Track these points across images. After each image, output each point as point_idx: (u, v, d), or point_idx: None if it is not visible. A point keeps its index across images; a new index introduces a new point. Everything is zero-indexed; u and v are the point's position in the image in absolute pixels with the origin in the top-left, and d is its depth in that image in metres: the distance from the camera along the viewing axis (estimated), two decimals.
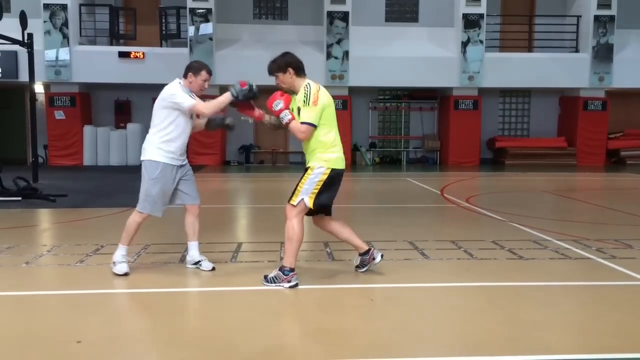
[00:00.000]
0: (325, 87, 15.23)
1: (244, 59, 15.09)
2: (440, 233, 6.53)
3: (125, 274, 4.54)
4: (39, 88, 14.93)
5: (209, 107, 4.46)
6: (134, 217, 4.62)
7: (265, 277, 4.36)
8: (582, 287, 4.52)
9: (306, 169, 4.38)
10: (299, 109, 4.31)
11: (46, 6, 14.84)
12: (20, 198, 8.84)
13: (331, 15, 15.51)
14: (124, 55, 15.25)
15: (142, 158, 4.62)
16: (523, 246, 5.72)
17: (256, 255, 5.45)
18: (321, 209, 4.49)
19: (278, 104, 4.30)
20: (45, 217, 7.90)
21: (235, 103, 4.43)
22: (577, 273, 4.89)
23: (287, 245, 4.33)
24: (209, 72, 4.61)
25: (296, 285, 4.28)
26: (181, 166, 4.66)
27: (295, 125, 4.31)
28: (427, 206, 9.03)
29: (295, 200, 4.31)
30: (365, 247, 4.66)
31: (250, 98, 4.42)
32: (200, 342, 3.33)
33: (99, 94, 16.60)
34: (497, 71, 15.88)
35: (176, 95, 4.45)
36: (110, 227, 6.97)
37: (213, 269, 4.73)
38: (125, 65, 15.18)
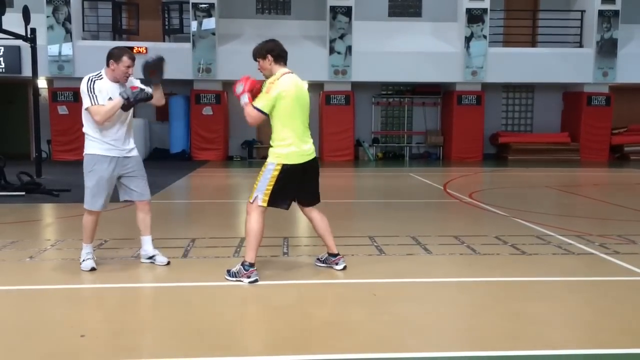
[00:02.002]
0: (328, 82, 15.22)
1: (247, 54, 14.88)
2: (443, 228, 6.53)
3: (92, 269, 4.57)
4: (42, 83, 14.94)
5: (100, 113, 4.39)
6: (87, 217, 4.66)
7: (228, 271, 4.35)
8: (585, 282, 4.51)
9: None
10: None
11: (49, 1, 14.83)
12: (23, 193, 8.87)
13: (334, 10, 15.47)
14: None
15: (83, 153, 4.64)
16: (526, 241, 5.72)
17: (259, 250, 5.44)
18: (302, 200, 4.52)
19: (239, 87, 4.32)
20: (48, 212, 7.93)
21: (127, 105, 4.45)
22: (580, 268, 4.88)
23: (246, 241, 4.35)
24: (131, 58, 4.55)
25: (255, 281, 4.24)
26: (124, 158, 4.61)
27: (246, 110, 4.29)
28: (430, 201, 9.02)
29: (251, 197, 4.32)
30: (335, 251, 4.67)
31: (143, 99, 4.49)
32: (203, 336, 3.34)
33: None
34: (501, 66, 15.83)
35: (82, 96, 4.48)
36: (113, 222, 6.98)
37: (168, 263, 4.76)
38: None
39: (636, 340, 3.34)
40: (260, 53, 4.41)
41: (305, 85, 4.52)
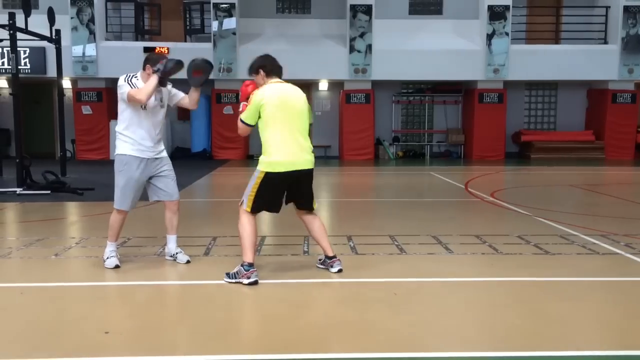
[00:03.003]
0: (348, 80, 15.23)
1: (267, 53, 15.12)
2: (465, 227, 6.48)
3: (116, 267, 4.62)
4: (66, 83, 15.19)
5: (141, 92, 4.45)
6: (114, 215, 4.72)
7: (227, 274, 4.32)
8: (610, 282, 4.44)
9: None
10: None
11: (73, 2, 15.06)
12: (49, 191, 9.03)
13: (354, 9, 15.43)
14: (149, 50, 15.33)
15: (114, 154, 4.70)
16: (549, 241, 5.64)
17: (279, 248, 5.48)
18: (294, 201, 4.54)
19: (241, 93, 4.48)
20: (73, 210, 8.06)
21: (162, 77, 4.52)
22: (605, 268, 4.80)
23: (240, 243, 4.36)
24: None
25: (255, 282, 4.19)
26: (154, 159, 4.68)
27: (238, 119, 4.41)
28: (451, 200, 8.95)
29: (241, 200, 4.40)
30: (331, 253, 4.61)
31: (173, 68, 4.53)
32: (225, 334, 3.36)
33: None
34: (523, 64, 15.63)
35: (120, 86, 4.52)
36: (137, 220, 7.07)
37: (188, 262, 4.81)
38: None
39: None
40: (252, 69, 4.51)
41: (297, 93, 4.42)
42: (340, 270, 4.58)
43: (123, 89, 4.50)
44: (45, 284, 4.37)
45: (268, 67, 4.45)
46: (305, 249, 5.38)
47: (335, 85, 16.48)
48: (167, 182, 4.81)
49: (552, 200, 8.97)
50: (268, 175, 4.28)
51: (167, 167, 4.81)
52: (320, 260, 4.80)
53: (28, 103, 16.36)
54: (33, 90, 16.35)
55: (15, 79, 9.48)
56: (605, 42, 16.13)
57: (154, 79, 4.49)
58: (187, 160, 15.50)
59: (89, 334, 3.35)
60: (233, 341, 3.28)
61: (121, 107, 4.62)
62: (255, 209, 4.34)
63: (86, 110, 15.68)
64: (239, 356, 3.07)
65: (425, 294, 4.19)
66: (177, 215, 4.92)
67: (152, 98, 4.54)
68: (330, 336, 3.38)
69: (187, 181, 10.78)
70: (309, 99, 4.30)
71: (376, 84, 16.04)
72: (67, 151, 12.62)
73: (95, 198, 8.71)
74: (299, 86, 4.50)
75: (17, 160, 9.35)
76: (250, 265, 4.25)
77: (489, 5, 15.49)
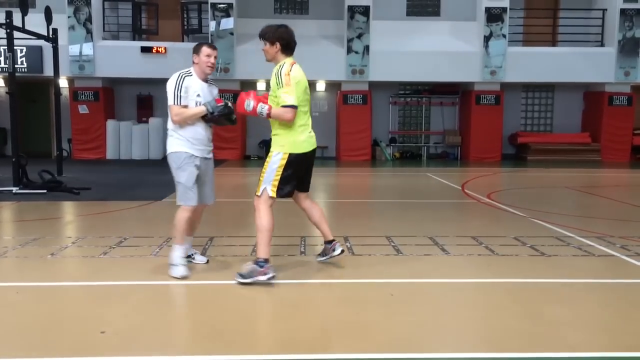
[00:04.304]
0: (346, 81, 15.22)
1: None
2: (461, 229, 6.49)
3: (184, 277, 4.35)
4: (63, 83, 15.16)
5: (180, 115, 4.38)
6: (179, 214, 4.51)
7: (240, 274, 4.18)
8: (605, 284, 4.45)
9: (269, 152, 4.35)
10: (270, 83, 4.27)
11: (70, 1, 15.03)
12: (45, 191, 9.01)
13: (352, 10, 15.45)
14: (146, 50, 15.40)
15: (167, 152, 4.57)
16: (545, 242, 5.66)
17: (275, 249, 5.47)
18: (299, 188, 4.49)
19: (249, 104, 4.21)
20: (69, 209, 8.04)
21: (209, 118, 4.44)
22: (600, 270, 4.82)
23: (258, 237, 4.21)
24: (211, 47, 4.52)
25: (273, 277, 4.15)
26: (204, 159, 4.58)
27: (276, 112, 4.15)
28: (448, 202, 8.97)
29: (259, 190, 4.25)
30: (331, 237, 4.68)
31: (225, 115, 4.45)
32: (221, 334, 3.36)
33: (122, 89, 16.80)
34: (520, 66, 15.67)
35: (168, 91, 4.47)
36: (134, 220, 7.07)
37: (207, 262, 4.82)
38: (147, 60, 15.33)
39: None
40: (270, 37, 4.27)
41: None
42: (342, 252, 4.68)
43: (169, 97, 4.43)
44: (41, 284, 4.36)
45: (287, 41, 4.26)
46: (302, 250, 5.38)
47: (333, 86, 16.49)
48: (209, 185, 4.72)
49: (548, 202, 8.99)
50: (292, 156, 4.22)
51: (211, 170, 4.73)
52: (319, 254, 4.84)
53: (25, 102, 16.33)
54: (30, 89, 16.30)
55: (11, 78, 9.46)
56: (602, 45, 16.19)
57: (199, 112, 4.39)
58: None
59: (84, 334, 3.34)
60: (229, 341, 3.27)
61: None
62: (280, 194, 4.24)
63: (83, 109, 15.65)
64: (235, 356, 3.07)
65: (422, 294, 4.20)
66: (201, 219, 4.92)
67: (201, 99, 4.43)
68: (326, 337, 3.38)
69: None
70: (287, 85, 4.22)
71: (373, 85, 16.06)
72: (63, 150, 12.60)
73: (91, 197, 8.70)
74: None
75: (14, 160, 9.33)
76: (266, 261, 4.15)
77: (486, 7, 15.53)
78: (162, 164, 15.46)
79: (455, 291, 4.28)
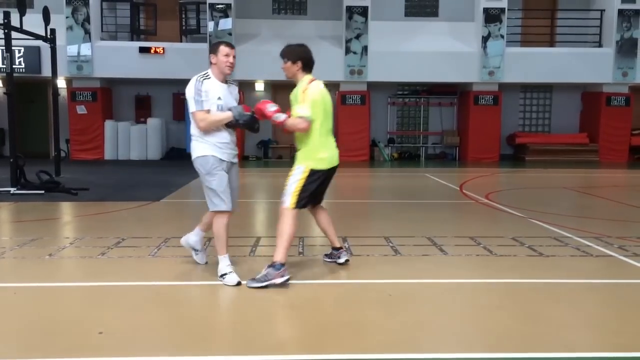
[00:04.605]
0: (344, 82, 15.28)
1: (263, 54, 15.07)
2: (459, 229, 6.49)
3: (238, 284, 4.22)
4: (61, 83, 15.13)
5: (206, 120, 4.23)
6: (217, 222, 4.34)
7: (254, 279, 4.22)
8: (603, 284, 4.46)
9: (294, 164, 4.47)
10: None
11: (68, 2, 15.01)
12: (43, 191, 8.99)
13: (350, 10, 15.45)
14: (144, 50, 15.38)
15: (193, 157, 4.36)
16: (543, 243, 5.66)
17: (274, 250, 5.46)
18: (314, 200, 4.60)
19: (270, 107, 4.34)
20: (67, 210, 8.03)
21: (233, 125, 4.34)
22: (598, 270, 4.83)
23: (278, 241, 4.34)
24: (229, 45, 4.40)
25: (288, 280, 4.21)
26: (231, 163, 4.41)
27: (291, 121, 4.33)
28: (446, 202, 8.97)
29: (286, 201, 4.38)
30: (338, 245, 4.85)
31: (250, 124, 4.37)
32: (218, 335, 3.36)
33: (120, 89, 16.78)
34: (518, 66, 15.68)
35: (187, 98, 4.30)
36: (132, 221, 7.07)
37: (206, 263, 4.76)
38: (145, 61, 15.32)
39: None
40: (292, 56, 4.46)
41: (329, 94, 4.58)
42: (347, 261, 4.74)
43: (190, 103, 4.26)
44: (38, 284, 4.36)
45: (307, 60, 4.47)
46: (301, 250, 5.38)
47: (331, 86, 16.37)
48: (235, 191, 4.49)
49: (546, 202, 9.00)
50: (313, 172, 4.39)
51: (236, 175, 4.53)
52: (326, 254, 4.92)
53: (22, 102, 16.32)
54: (28, 90, 16.28)
55: (9, 78, 9.44)
56: (600, 45, 16.21)
57: (225, 118, 4.26)
58: (182, 160, 15.45)
59: (82, 335, 3.34)
60: (227, 342, 3.27)
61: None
62: (299, 205, 4.37)
63: (81, 110, 15.62)
64: (233, 357, 3.07)
65: (420, 295, 4.20)
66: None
67: (222, 102, 4.29)
68: (325, 337, 3.38)
69: (182, 181, 10.76)
70: (304, 100, 4.34)
71: (372, 85, 16.06)
72: (61, 151, 12.58)
73: (89, 198, 8.69)
74: (293, 87, 4.51)
75: (11, 160, 9.31)
76: (282, 264, 4.25)
77: (484, 8, 15.54)
78: (160, 164, 15.54)
79: (454, 291, 4.28)
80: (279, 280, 4.19)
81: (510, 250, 5.40)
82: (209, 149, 4.29)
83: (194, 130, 4.34)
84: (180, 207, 8.46)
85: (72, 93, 15.66)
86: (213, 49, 4.37)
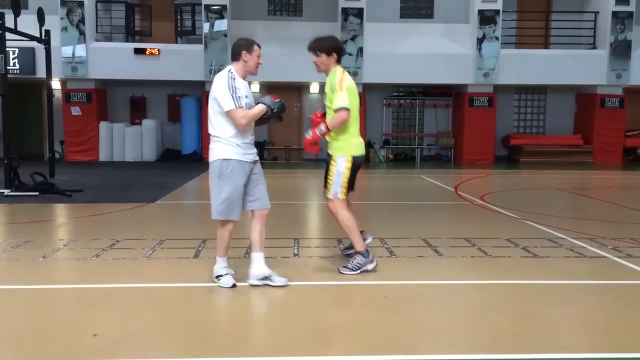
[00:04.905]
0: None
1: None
2: (454, 230, 6.51)
3: (233, 286, 4.16)
4: (55, 84, 15.09)
5: (247, 117, 4.05)
6: (224, 227, 4.23)
7: (345, 266, 4.54)
8: (597, 286, 4.48)
9: (330, 156, 4.59)
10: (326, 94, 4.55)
11: (63, 3, 14.97)
12: (37, 193, 8.96)
13: (346, 12, 15.47)
14: (139, 51, 15.36)
15: (211, 159, 4.21)
16: (538, 244, 5.68)
17: (269, 251, 5.46)
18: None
19: (319, 129, 4.50)
20: (61, 212, 8.00)
21: (267, 117, 4.21)
22: (592, 272, 4.85)
23: (349, 235, 4.60)
24: (259, 46, 4.26)
25: (376, 266, 4.58)
26: (252, 163, 4.25)
27: (332, 121, 4.41)
28: (441, 203, 8.99)
29: (330, 194, 4.56)
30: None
31: (282, 111, 4.27)
32: (214, 337, 3.36)
33: (115, 90, 16.74)
34: (513, 68, 15.73)
35: (221, 95, 4.06)
36: (126, 222, 7.05)
37: (286, 285, 4.25)
38: (140, 62, 15.29)
39: None
40: (327, 49, 4.50)
41: None
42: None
43: (226, 101, 4.03)
44: (32, 286, 4.34)
45: (341, 51, 4.60)
46: (296, 252, 5.37)
47: None
48: (260, 188, 4.30)
49: (540, 203, 9.03)
50: (354, 159, 4.58)
51: (259, 171, 4.32)
52: (346, 247, 5.15)
53: (17, 104, 16.26)
54: (22, 91, 16.22)
55: (3, 80, 9.40)
56: (594, 47, 16.28)
57: (261, 111, 4.12)
58: (178, 162, 15.45)
59: (77, 337, 3.33)
60: (222, 344, 3.27)
61: (220, 110, 4.12)
62: (347, 194, 4.59)
63: (75, 111, 15.58)
64: (228, 359, 3.06)
65: (415, 296, 4.21)
66: (266, 228, 4.36)
67: (248, 100, 4.17)
68: (321, 339, 3.38)
69: (177, 183, 10.75)
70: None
71: (367, 86, 16.07)
72: (56, 152, 12.54)
73: (84, 200, 8.66)
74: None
75: (5, 161, 9.28)
76: (367, 251, 4.56)
77: (479, 10, 15.58)
78: (155, 165, 15.50)
79: (449, 293, 4.29)
80: (370, 266, 4.54)
81: (505, 251, 5.41)
82: (233, 151, 4.12)
83: (217, 130, 4.13)
84: (175, 209, 8.44)
85: (67, 94, 15.62)
86: (247, 47, 4.18)
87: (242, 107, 4.06)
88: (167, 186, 10.25)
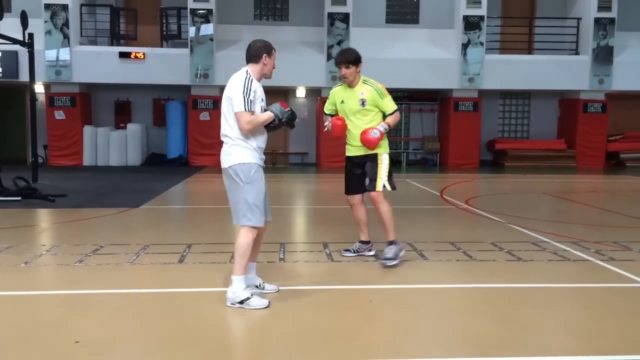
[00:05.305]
0: (326, 88, 15.36)
1: (245, 60, 15.09)
2: (440, 234, 6.54)
3: (268, 307, 3.87)
4: (39, 88, 14.94)
5: (253, 123, 3.90)
6: (245, 237, 3.94)
7: (387, 258, 4.88)
8: (580, 289, 4.52)
9: (373, 155, 5.04)
10: (362, 101, 5.01)
11: (47, 6, 14.84)
12: (19, 198, 8.85)
13: (332, 17, 15.52)
14: (124, 55, 15.27)
15: (228, 164, 3.98)
16: (522, 248, 5.73)
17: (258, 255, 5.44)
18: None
19: (375, 132, 4.96)
20: (44, 217, 7.91)
21: (274, 126, 4.06)
22: (575, 275, 4.89)
23: (388, 224, 5.02)
24: (275, 50, 4.21)
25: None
26: (264, 168, 4.13)
27: (392, 121, 5.03)
28: (427, 207, 9.02)
29: (379, 187, 4.99)
30: (369, 238, 5.39)
31: (291, 121, 4.10)
32: (197, 343, 3.33)
33: (99, 94, 16.62)
34: (498, 73, 15.88)
35: (235, 95, 3.94)
36: (110, 227, 6.98)
37: (277, 290, 4.23)
38: (125, 66, 15.20)
39: (632, 347, 3.34)
40: (355, 61, 5.05)
41: None
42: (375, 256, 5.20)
43: (238, 102, 3.91)
44: (14, 293, 4.27)
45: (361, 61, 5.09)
46: (282, 256, 5.36)
47: (313, 92, 16.51)
48: (267, 196, 4.15)
49: (525, 207, 9.11)
50: (389, 155, 5.14)
51: (265, 179, 4.15)
52: (347, 249, 5.40)
53: None
54: (4, 95, 16.06)
55: None
56: (577, 53, 16.50)
57: (268, 118, 3.98)
58: (163, 166, 15.35)
59: (58, 344, 3.28)
60: (206, 350, 3.24)
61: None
62: (392, 186, 5.11)
63: (59, 115, 15.44)
64: None
65: (401, 300, 4.21)
66: (263, 239, 4.23)
67: (264, 104, 4.06)
68: (306, 344, 3.37)
69: (162, 188, 10.67)
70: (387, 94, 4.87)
71: None
72: (39, 157, 12.40)
73: (67, 205, 8.57)
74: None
75: None
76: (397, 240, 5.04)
77: (464, 16, 15.72)
78: (140, 170, 15.38)
79: (434, 296, 4.31)
80: (403, 253, 5.01)
81: (490, 255, 5.44)
82: (251, 155, 3.96)
83: (232, 131, 3.96)
84: (160, 214, 8.38)
85: (51, 98, 15.47)
86: (267, 50, 4.10)
87: (252, 112, 3.92)
88: (152, 191, 10.18)
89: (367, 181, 5.05)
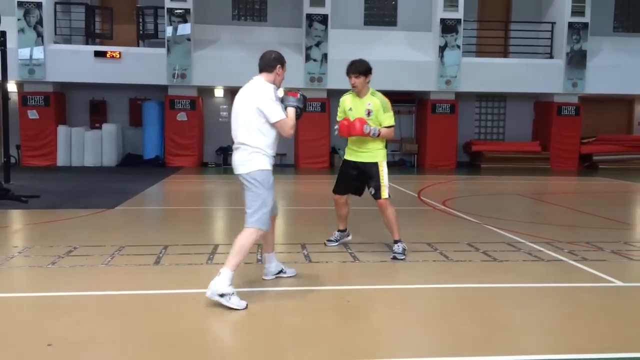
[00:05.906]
0: (304, 89, 15.37)
1: (223, 60, 15.00)
2: (417, 235, 6.58)
3: (245, 309, 3.84)
4: (11, 87, 14.65)
5: (293, 126, 4.18)
6: (249, 238, 4.02)
7: (396, 254, 5.23)
8: (554, 288, 4.59)
9: (372, 164, 5.31)
10: (368, 111, 5.25)
11: (20, 4, 14.56)
12: None
13: (310, 18, 15.52)
14: (100, 54, 15.05)
15: (248, 170, 4.09)
16: (497, 248, 5.80)
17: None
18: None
19: (367, 127, 5.14)
20: (17, 218, 7.75)
21: (298, 115, 4.28)
22: (549, 275, 4.97)
23: (393, 226, 5.33)
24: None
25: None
26: None
27: (385, 132, 5.21)
28: (404, 209, 9.06)
29: (385, 194, 5.28)
30: (345, 227, 5.89)
31: (305, 104, 4.38)
32: (174, 344, 3.30)
33: (74, 94, 16.35)
34: (474, 76, 16.06)
35: (268, 106, 4.08)
36: (84, 229, 6.87)
37: (295, 275, 4.61)
38: (101, 65, 14.98)
39: (604, 345, 3.41)
40: (366, 71, 5.33)
41: None
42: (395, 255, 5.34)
43: (275, 112, 4.08)
44: None
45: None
46: (259, 258, 5.34)
47: None
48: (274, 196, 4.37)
49: (500, 208, 9.22)
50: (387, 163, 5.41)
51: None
52: (330, 239, 5.82)
53: None
54: None
55: None
56: (551, 57, 16.77)
57: (294, 114, 4.24)
58: (139, 167, 15.17)
59: (30, 347, 3.22)
60: (183, 352, 3.21)
61: (262, 119, 4.11)
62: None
63: (32, 115, 15.14)
64: None
65: (378, 301, 4.23)
66: (274, 230, 4.54)
67: (292, 109, 4.27)
68: (283, 345, 3.36)
69: (139, 188, 10.55)
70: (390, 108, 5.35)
71: (332, 92, 16.13)
72: (11, 157, 12.15)
73: (40, 206, 8.41)
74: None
75: None
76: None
77: (441, 19, 15.87)
78: (116, 171, 15.18)
79: (411, 297, 4.33)
80: (406, 247, 5.33)
81: (466, 255, 5.50)
82: (268, 162, 4.15)
83: (252, 140, 4.08)
84: (136, 215, 8.28)
85: (24, 97, 15.17)
86: (281, 62, 4.32)
87: (287, 117, 4.17)
88: (128, 192, 10.05)
89: (372, 191, 5.36)
